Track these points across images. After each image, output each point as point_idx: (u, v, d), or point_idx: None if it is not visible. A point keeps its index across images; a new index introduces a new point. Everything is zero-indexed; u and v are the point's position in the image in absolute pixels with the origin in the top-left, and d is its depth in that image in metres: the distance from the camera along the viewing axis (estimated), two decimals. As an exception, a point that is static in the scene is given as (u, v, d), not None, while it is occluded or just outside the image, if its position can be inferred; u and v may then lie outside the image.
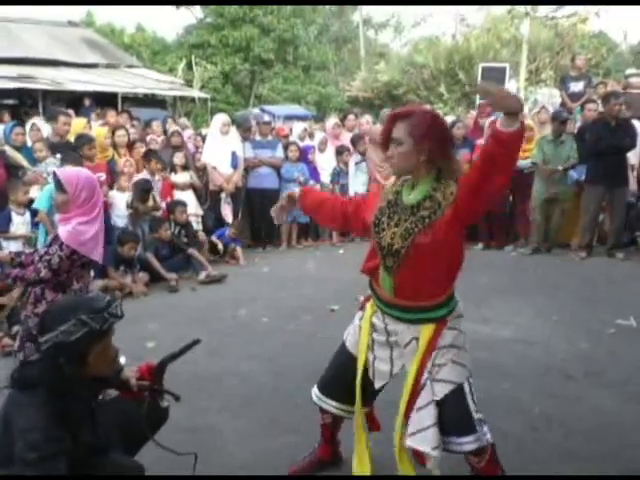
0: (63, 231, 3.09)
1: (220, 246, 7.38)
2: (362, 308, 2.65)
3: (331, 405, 2.66)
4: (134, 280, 6.14)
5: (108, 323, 2.02)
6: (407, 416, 2.43)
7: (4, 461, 1.89)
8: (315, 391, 2.72)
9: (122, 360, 4.04)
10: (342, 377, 2.61)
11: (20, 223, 5.61)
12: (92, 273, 5.90)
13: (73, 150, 6.22)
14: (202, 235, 7.31)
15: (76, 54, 14.52)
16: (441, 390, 2.38)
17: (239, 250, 7.43)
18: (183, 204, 7.02)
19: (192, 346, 2.58)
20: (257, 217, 8.09)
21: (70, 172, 3.31)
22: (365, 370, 2.54)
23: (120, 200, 6.61)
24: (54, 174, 3.25)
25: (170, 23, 35.02)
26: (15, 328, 4.73)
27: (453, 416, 2.38)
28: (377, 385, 2.56)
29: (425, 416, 2.36)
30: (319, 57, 23.62)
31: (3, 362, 4.15)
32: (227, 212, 7.78)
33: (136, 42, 22.56)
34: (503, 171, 2.10)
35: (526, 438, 3.19)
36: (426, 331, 2.39)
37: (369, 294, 2.60)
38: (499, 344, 4.53)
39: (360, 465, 2.59)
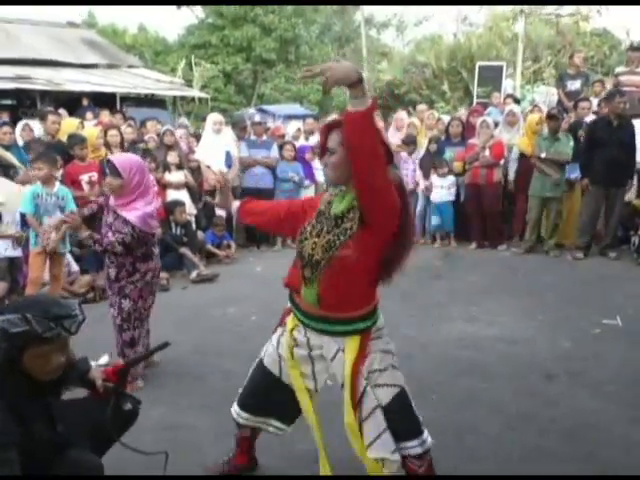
0: (133, 217, 3.64)
1: (212, 248, 7.36)
2: (282, 324, 2.58)
3: (250, 420, 2.63)
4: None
5: (52, 332, 1.97)
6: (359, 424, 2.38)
7: None
8: (235, 409, 2.67)
9: (105, 359, 4.10)
10: (259, 393, 2.58)
11: (10, 222, 5.62)
12: (77, 268, 5.96)
13: (63, 149, 6.24)
14: (201, 235, 7.32)
15: (75, 55, 14.56)
16: (385, 395, 2.32)
17: (232, 245, 7.47)
18: (182, 204, 7.02)
19: (160, 349, 2.59)
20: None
21: (123, 158, 3.79)
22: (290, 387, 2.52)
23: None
24: (108, 161, 3.65)
25: (172, 23, 35.09)
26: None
27: (401, 421, 2.32)
28: None
29: (373, 424, 2.30)
30: (321, 56, 23.63)
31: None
32: (221, 212, 7.78)
33: (138, 42, 22.67)
34: (360, 156, 2.00)
35: (503, 438, 3.19)
36: (351, 343, 2.34)
37: (288, 307, 2.54)
38: (483, 343, 4.52)
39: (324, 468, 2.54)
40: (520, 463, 2.96)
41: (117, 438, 2.37)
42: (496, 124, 7.87)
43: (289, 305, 2.52)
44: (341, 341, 2.36)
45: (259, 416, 2.62)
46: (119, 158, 3.81)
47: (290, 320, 2.49)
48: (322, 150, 2.34)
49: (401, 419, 2.32)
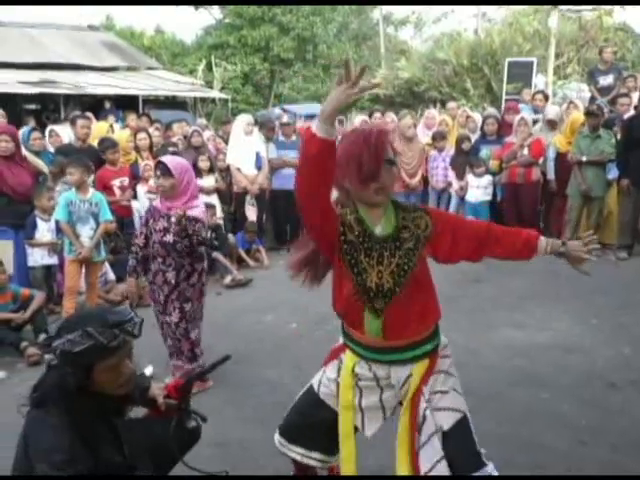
0: (199, 212, 3.78)
1: (242, 253, 7.25)
2: (334, 357, 2.36)
3: (297, 452, 2.38)
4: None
5: (118, 340, 1.88)
6: (412, 454, 2.15)
7: None
8: (277, 437, 2.44)
9: (149, 370, 3.99)
10: (312, 426, 2.34)
11: (45, 230, 5.56)
12: (113, 277, 5.88)
13: (96, 154, 6.16)
14: (232, 239, 7.21)
15: (96, 58, 14.57)
16: (447, 419, 2.11)
17: (262, 250, 7.34)
18: (213, 206, 6.93)
19: (221, 363, 2.47)
20: (281, 218, 7.99)
21: (174, 160, 3.88)
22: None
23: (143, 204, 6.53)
24: (160, 162, 3.76)
25: (189, 25, 35.09)
26: (41, 336, 4.67)
27: (460, 451, 2.08)
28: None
29: (430, 452, 2.09)
30: (339, 55, 23.48)
31: (30, 373, 4.07)
32: (251, 214, 7.67)
33: (156, 44, 22.63)
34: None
35: (573, 453, 3.03)
36: (420, 367, 2.18)
37: (340, 344, 2.34)
38: (535, 351, 4.36)
39: None
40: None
41: (180, 457, 2.26)
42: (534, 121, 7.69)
43: (341, 341, 2.34)
44: (411, 367, 2.20)
45: (299, 446, 2.39)
46: (169, 159, 3.89)
47: (348, 357, 2.28)
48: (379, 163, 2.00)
49: (462, 449, 2.09)
